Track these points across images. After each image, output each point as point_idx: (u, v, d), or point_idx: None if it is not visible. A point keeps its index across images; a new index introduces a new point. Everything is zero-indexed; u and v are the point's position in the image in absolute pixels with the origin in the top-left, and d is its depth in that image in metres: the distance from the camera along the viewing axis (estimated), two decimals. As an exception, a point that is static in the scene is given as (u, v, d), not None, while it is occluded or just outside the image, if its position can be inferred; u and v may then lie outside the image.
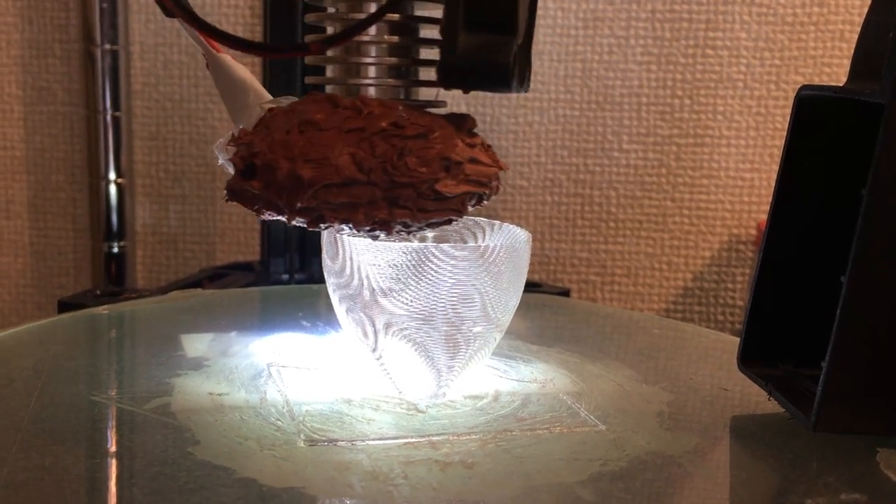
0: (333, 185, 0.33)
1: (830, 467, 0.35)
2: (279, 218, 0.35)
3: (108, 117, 0.89)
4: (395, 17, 0.37)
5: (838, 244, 0.37)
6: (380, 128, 0.33)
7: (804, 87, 0.39)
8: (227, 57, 0.41)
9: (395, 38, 0.37)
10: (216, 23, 0.92)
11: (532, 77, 0.37)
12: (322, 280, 0.42)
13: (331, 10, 0.39)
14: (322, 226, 0.35)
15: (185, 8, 0.35)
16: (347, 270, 0.39)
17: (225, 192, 0.36)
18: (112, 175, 0.91)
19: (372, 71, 0.37)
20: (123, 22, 0.89)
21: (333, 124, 0.34)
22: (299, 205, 0.34)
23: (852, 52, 0.39)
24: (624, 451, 0.36)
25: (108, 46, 0.88)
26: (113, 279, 0.92)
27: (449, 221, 0.36)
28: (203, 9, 0.92)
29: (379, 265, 0.38)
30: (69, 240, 0.97)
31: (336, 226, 0.35)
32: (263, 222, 0.84)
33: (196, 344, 0.48)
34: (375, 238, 0.37)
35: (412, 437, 0.36)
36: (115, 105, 0.90)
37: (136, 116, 0.94)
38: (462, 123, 0.36)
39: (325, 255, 0.41)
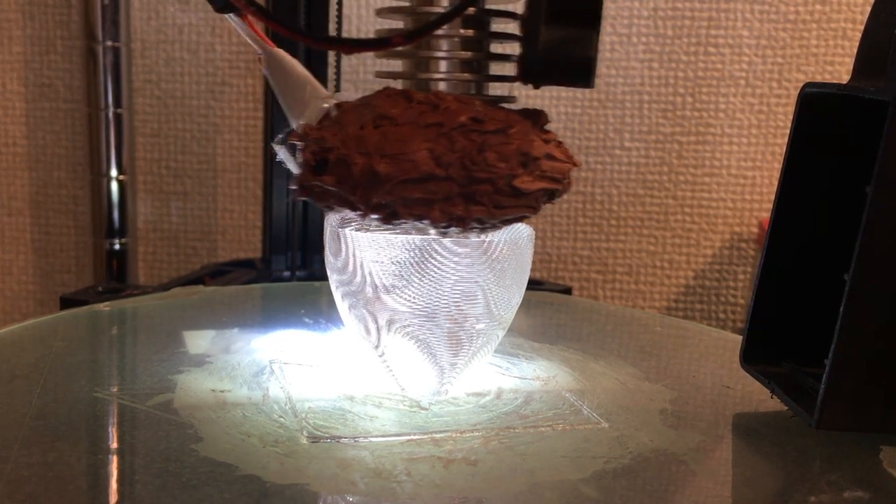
0: (410, 180, 0.32)
1: (833, 465, 0.35)
2: (352, 214, 0.34)
3: (110, 114, 0.89)
4: (470, 10, 0.35)
5: (841, 242, 0.37)
6: (458, 122, 0.33)
7: (808, 85, 0.39)
8: (283, 52, 0.40)
9: (469, 32, 0.36)
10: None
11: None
12: (324, 277, 0.42)
13: (403, 3, 0.37)
14: (396, 222, 0.34)
15: (252, 1, 0.33)
16: (350, 267, 0.39)
17: (293, 187, 0.35)
18: (114, 172, 0.91)
19: (443, 65, 0.36)
20: (125, 19, 0.89)
21: (409, 119, 0.33)
22: (374, 200, 0.33)
23: (855, 49, 0.39)
24: (627, 448, 0.36)
25: (109, 43, 0.88)
26: (114, 276, 0.92)
27: (522, 218, 0.35)
28: None
29: (381, 261, 0.37)
30: (71, 236, 0.97)
31: (410, 222, 0.34)
32: (265, 219, 0.84)
33: (198, 340, 0.48)
34: (445, 235, 0.36)
35: (415, 434, 0.36)
36: (117, 102, 0.89)
37: (137, 113, 0.94)
38: (537, 119, 0.35)
39: (327, 252, 0.41)
